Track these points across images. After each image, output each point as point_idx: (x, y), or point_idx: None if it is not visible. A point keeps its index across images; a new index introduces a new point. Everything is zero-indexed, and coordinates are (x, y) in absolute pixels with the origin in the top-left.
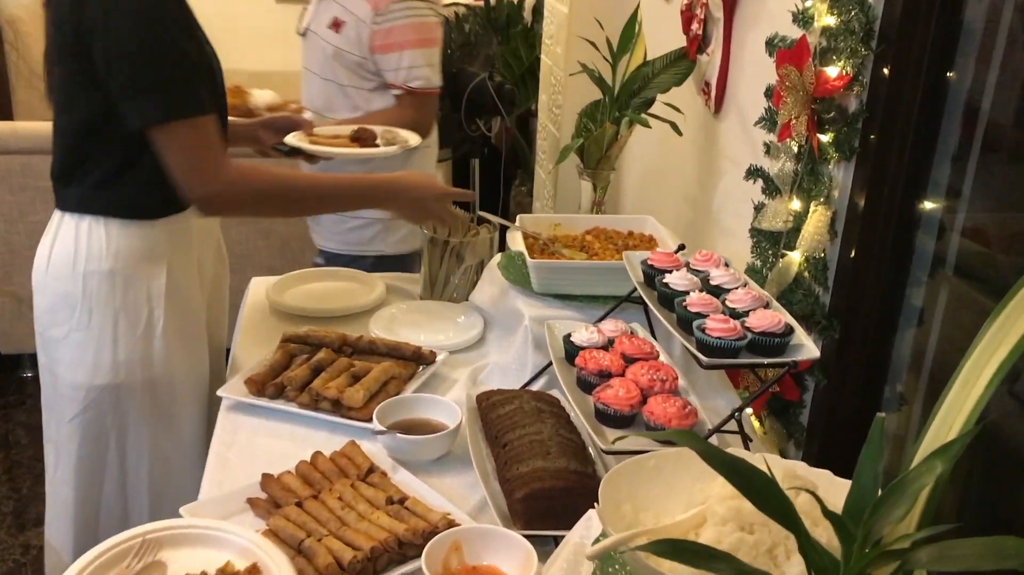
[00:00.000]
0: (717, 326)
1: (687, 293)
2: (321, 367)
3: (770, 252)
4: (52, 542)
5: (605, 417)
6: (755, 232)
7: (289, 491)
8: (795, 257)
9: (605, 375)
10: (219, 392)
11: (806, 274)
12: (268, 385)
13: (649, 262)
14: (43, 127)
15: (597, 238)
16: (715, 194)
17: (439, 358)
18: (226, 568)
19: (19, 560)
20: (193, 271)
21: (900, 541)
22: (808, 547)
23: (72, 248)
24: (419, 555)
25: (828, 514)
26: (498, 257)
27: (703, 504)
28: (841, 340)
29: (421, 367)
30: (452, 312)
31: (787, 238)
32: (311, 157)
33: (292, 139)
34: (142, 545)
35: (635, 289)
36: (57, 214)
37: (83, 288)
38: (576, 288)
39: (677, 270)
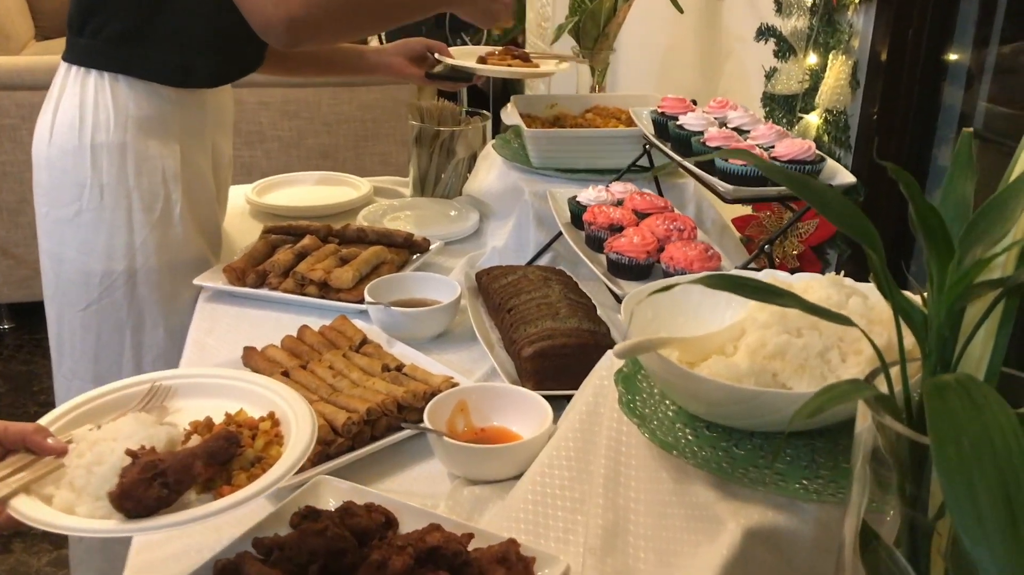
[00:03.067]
0: None
1: (704, 132)
2: (306, 252)
3: (785, 120)
4: None
5: (619, 268)
6: (768, 99)
7: (274, 363)
8: (813, 119)
9: (617, 229)
10: (196, 280)
11: (825, 136)
12: (249, 272)
13: (660, 109)
14: (11, 62)
15: (599, 116)
16: (722, 70)
17: (433, 246)
18: (237, 416)
19: None
20: (207, 155)
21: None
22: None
23: (77, 114)
24: (421, 421)
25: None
26: (492, 142)
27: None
28: (865, 205)
29: (414, 255)
30: (444, 206)
31: (803, 101)
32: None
33: (457, 60)
34: (150, 391)
35: (643, 153)
36: (63, 69)
37: (92, 163)
38: (578, 160)
39: (691, 112)
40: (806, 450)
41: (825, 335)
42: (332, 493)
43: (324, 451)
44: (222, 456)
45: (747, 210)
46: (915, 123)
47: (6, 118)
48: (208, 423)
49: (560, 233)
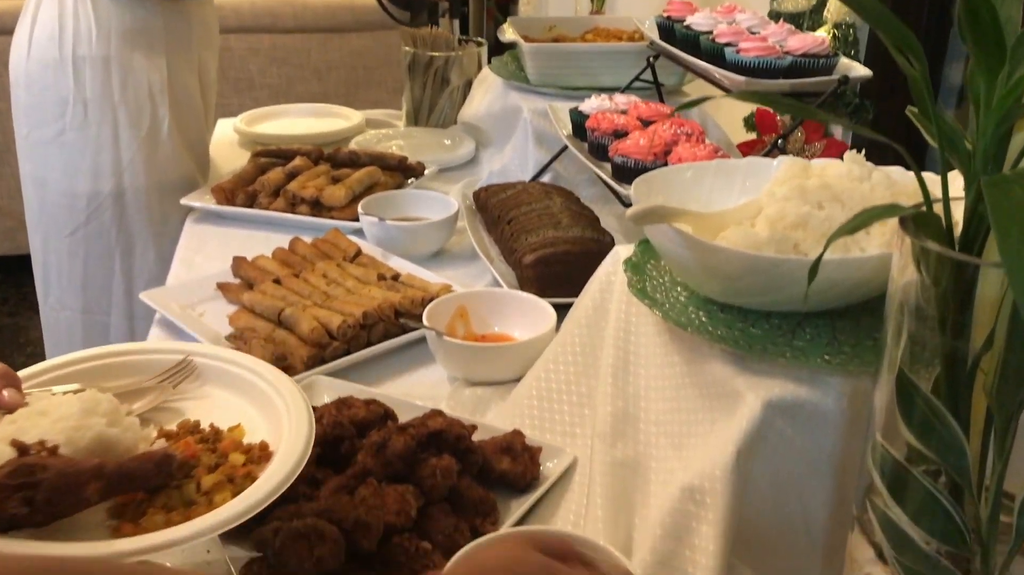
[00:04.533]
0: (753, 45)
1: (712, 31)
2: (297, 173)
3: None
4: None
5: (625, 172)
6: (774, 17)
7: (264, 271)
8: (821, 36)
9: (621, 134)
10: (184, 200)
11: None
12: (238, 192)
13: (665, 13)
14: None
15: (599, 37)
16: None
17: (428, 171)
18: (229, 432)
19: None
20: (194, 71)
21: None
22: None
23: (56, 25)
24: (414, 324)
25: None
26: (488, 65)
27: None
28: (874, 123)
29: (409, 180)
30: (438, 135)
31: (810, 19)
32: None
33: None
34: (179, 365)
35: (646, 67)
36: None
37: (74, 77)
38: (578, 77)
39: (699, 12)
40: (826, 328)
41: (848, 207)
42: (329, 392)
43: (319, 355)
44: (140, 483)
45: (751, 136)
46: (926, 38)
47: None
48: (189, 430)
49: (564, 147)
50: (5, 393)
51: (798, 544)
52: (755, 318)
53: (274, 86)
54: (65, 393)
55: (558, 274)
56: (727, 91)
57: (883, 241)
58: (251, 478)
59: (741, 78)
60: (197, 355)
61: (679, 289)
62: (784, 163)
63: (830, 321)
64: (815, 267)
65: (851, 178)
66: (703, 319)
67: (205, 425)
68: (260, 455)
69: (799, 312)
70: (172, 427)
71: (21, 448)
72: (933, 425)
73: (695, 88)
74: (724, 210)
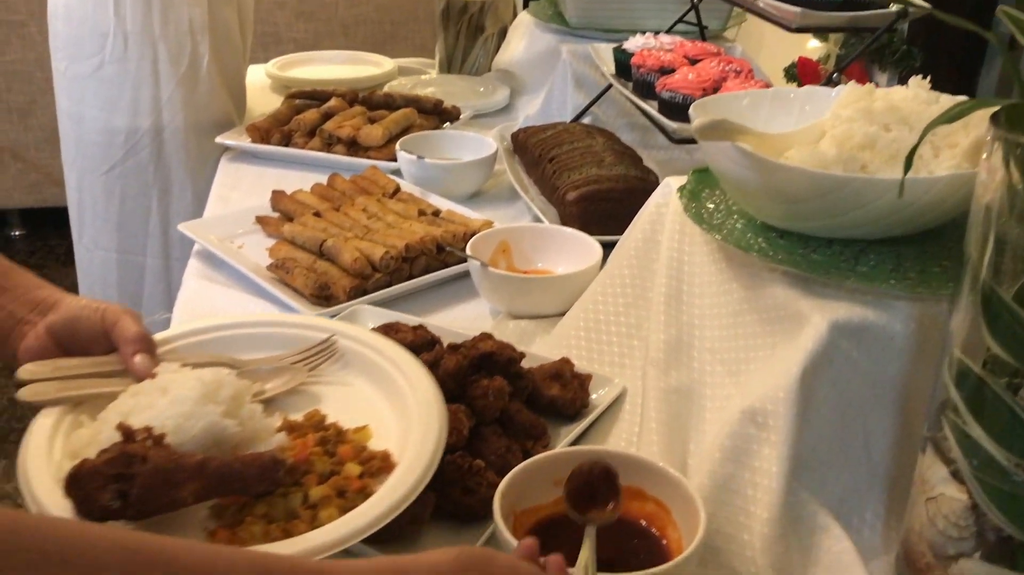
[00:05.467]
0: None
1: None
2: (332, 113)
3: None
4: None
5: (673, 108)
6: None
7: (304, 205)
8: None
9: (668, 71)
10: (219, 139)
11: None
12: (274, 131)
13: None
14: None
15: None
16: None
17: (463, 116)
18: (352, 434)
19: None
20: (233, 6)
21: None
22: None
23: None
24: (456, 258)
25: None
26: (525, 9)
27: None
28: (922, 70)
29: (444, 124)
30: (472, 83)
31: None
32: None
33: None
34: (323, 344)
35: (691, 8)
36: None
37: (115, 10)
38: (619, 20)
39: None
40: (890, 255)
41: (916, 130)
42: (372, 320)
43: (361, 286)
44: (242, 487)
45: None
46: None
47: (13, 14)
48: (314, 426)
49: (609, 85)
50: (137, 359)
51: (858, 470)
52: (816, 244)
53: (300, 40)
54: (196, 366)
55: (602, 211)
56: (781, 24)
57: (952, 164)
58: (364, 494)
59: (796, 9)
60: (342, 335)
61: (736, 217)
62: (847, 88)
63: (894, 248)
64: (909, 160)
65: (918, 101)
66: (762, 245)
67: (333, 419)
68: (380, 467)
69: (862, 239)
70: (298, 418)
71: (127, 433)
72: (1019, 335)
73: (741, 34)
74: (785, 133)
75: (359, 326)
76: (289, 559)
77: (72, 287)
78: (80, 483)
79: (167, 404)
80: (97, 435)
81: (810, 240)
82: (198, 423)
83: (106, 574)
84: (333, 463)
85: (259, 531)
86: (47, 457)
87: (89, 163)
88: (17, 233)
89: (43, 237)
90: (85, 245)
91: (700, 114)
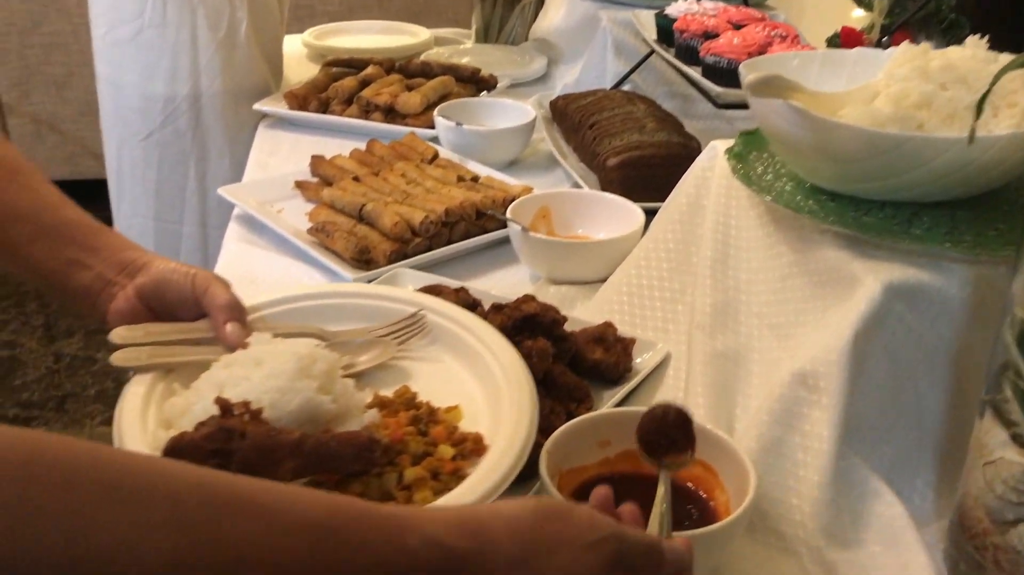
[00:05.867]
0: None
1: None
2: (370, 81)
3: None
4: None
5: (717, 73)
6: None
7: (343, 170)
8: None
9: (712, 36)
10: (256, 105)
11: None
12: (311, 98)
13: None
14: None
15: None
16: None
17: (500, 84)
18: (443, 413)
19: (51, 367)
20: None
21: None
22: None
23: None
24: (496, 224)
25: None
26: None
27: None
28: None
29: (481, 92)
30: (509, 52)
31: None
32: None
33: None
34: (411, 319)
35: None
36: None
37: None
38: None
39: None
40: (945, 218)
41: (974, 89)
42: (413, 284)
43: (401, 250)
44: (339, 466)
45: None
46: None
47: None
48: (406, 403)
49: (651, 52)
50: (229, 328)
51: (910, 435)
52: (868, 207)
53: (334, 14)
54: (286, 335)
55: (643, 178)
56: None
57: (1012, 123)
58: (458, 477)
59: None
60: (430, 310)
61: (785, 179)
62: (901, 47)
63: (948, 211)
64: (981, 104)
65: (976, 60)
66: (813, 207)
67: (423, 397)
68: (472, 449)
69: (916, 202)
70: (389, 394)
71: (224, 407)
72: None
73: (782, 2)
74: (838, 92)
75: (448, 303)
76: (364, 502)
77: None
78: (179, 457)
79: (262, 378)
80: (191, 406)
81: (862, 203)
82: (294, 399)
83: (183, 508)
84: (426, 444)
85: None
86: (141, 426)
87: (128, 130)
88: None
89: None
90: (124, 212)
91: (751, 71)
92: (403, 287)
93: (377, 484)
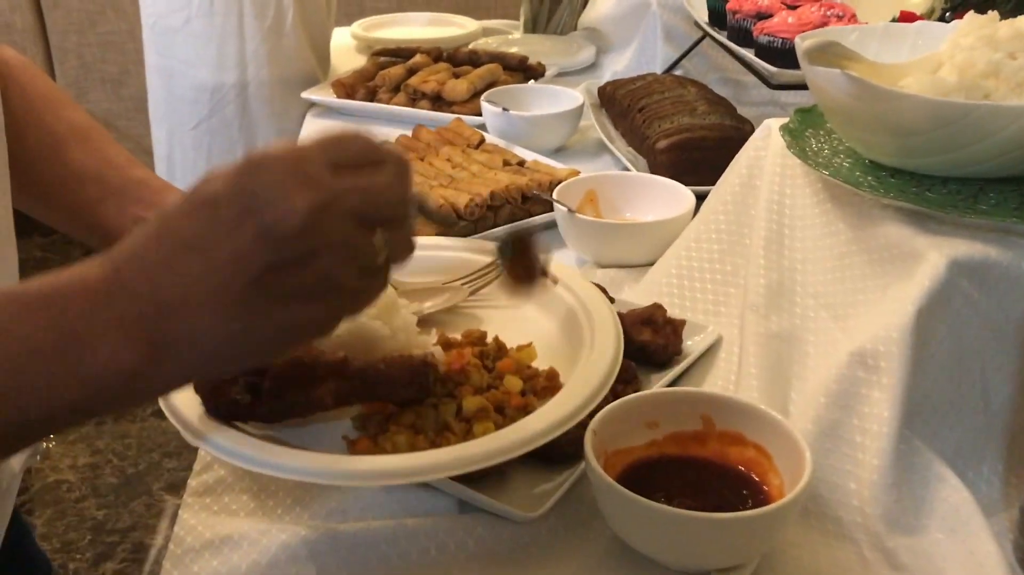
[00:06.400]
0: None
1: None
2: (417, 69)
3: None
4: None
5: (772, 54)
6: None
7: None
8: None
9: (765, 16)
10: (304, 94)
11: None
12: (359, 87)
13: None
14: None
15: None
16: None
17: (548, 72)
18: (515, 352)
19: None
20: None
21: None
22: None
23: None
24: (541, 208)
25: None
26: None
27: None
28: None
29: (529, 81)
30: (557, 42)
31: None
32: None
33: None
34: (486, 268)
35: None
36: None
37: None
38: None
39: None
40: (1013, 193)
41: None
42: None
43: (446, 233)
44: (388, 392)
45: None
46: None
47: None
48: (473, 341)
49: (704, 36)
50: None
51: (975, 419)
52: (931, 183)
53: (383, 10)
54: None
55: (694, 161)
56: None
57: None
58: (525, 410)
59: None
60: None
61: (843, 156)
62: (967, 17)
63: (1016, 187)
64: None
65: None
66: (873, 183)
67: (493, 337)
68: (545, 386)
69: (981, 177)
70: (456, 336)
71: None
72: None
73: None
74: (899, 64)
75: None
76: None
77: None
78: (212, 387)
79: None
80: None
81: (924, 179)
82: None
83: None
84: (491, 377)
85: (403, 441)
86: None
87: (177, 119)
88: None
89: None
90: None
91: (805, 48)
92: None
93: (432, 415)
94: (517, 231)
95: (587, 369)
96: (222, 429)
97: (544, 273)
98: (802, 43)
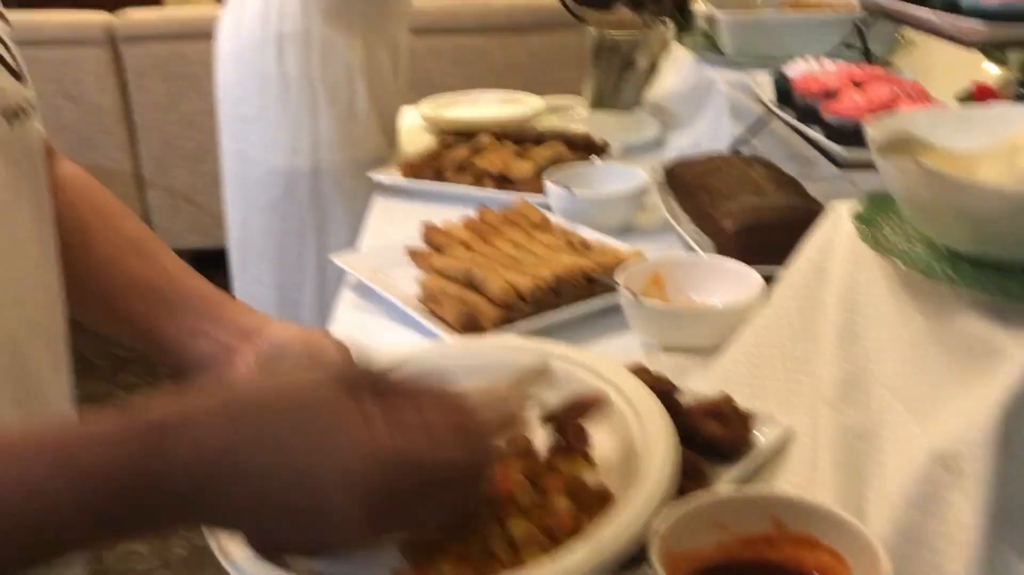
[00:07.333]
0: None
1: None
2: (482, 149)
3: None
4: None
5: (839, 134)
6: None
7: (453, 238)
8: None
9: (833, 95)
10: (370, 173)
11: None
12: (425, 167)
13: None
14: (193, 13)
15: (798, 6)
16: None
17: (614, 149)
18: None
19: None
20: (389, 49)
21: None
22: None
23: (261, 3)
24: (606, 291)
25: None
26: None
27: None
28: None
29: (594, 157)
30: (623, 118)
31: None
32: None
33: None
34: (535, 369)
35: (854, 28)
36: None
37: (277, 54)
38: (779, 46)
39: None
40: None
41: None
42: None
43: (509, 316)
44: None
45: None
46: None
47: (190, 68)
48: (520, 450)
49: (769, 114)
50: None
51: None
52: (1011, 273)
53: (453, 86)
54: None
55: (763, 243)
56: (960, 41)
57: None
58: (576, 533)
59: (979, 23)
60: (556, 358)
61: (917, 243)
62: None
63: None
64: None
65: None
66: (950, 272)
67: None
68: (595, 504)
69: None
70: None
71: None
72: None
73: (905, 60)
74: (975, 150)
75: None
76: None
77: None
78: None
79: None
80: None
81: (1005, 268)
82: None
83: None
84: (539, 496)
85: (449, 572)
86: None
87: (251, 202)
88: None
89: (209, 276)
90: (246, 281)
91: (877, 130)
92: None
93: (478, 543)
94: (572, 402)
95: (641, 485)
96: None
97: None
98: (872, 134)
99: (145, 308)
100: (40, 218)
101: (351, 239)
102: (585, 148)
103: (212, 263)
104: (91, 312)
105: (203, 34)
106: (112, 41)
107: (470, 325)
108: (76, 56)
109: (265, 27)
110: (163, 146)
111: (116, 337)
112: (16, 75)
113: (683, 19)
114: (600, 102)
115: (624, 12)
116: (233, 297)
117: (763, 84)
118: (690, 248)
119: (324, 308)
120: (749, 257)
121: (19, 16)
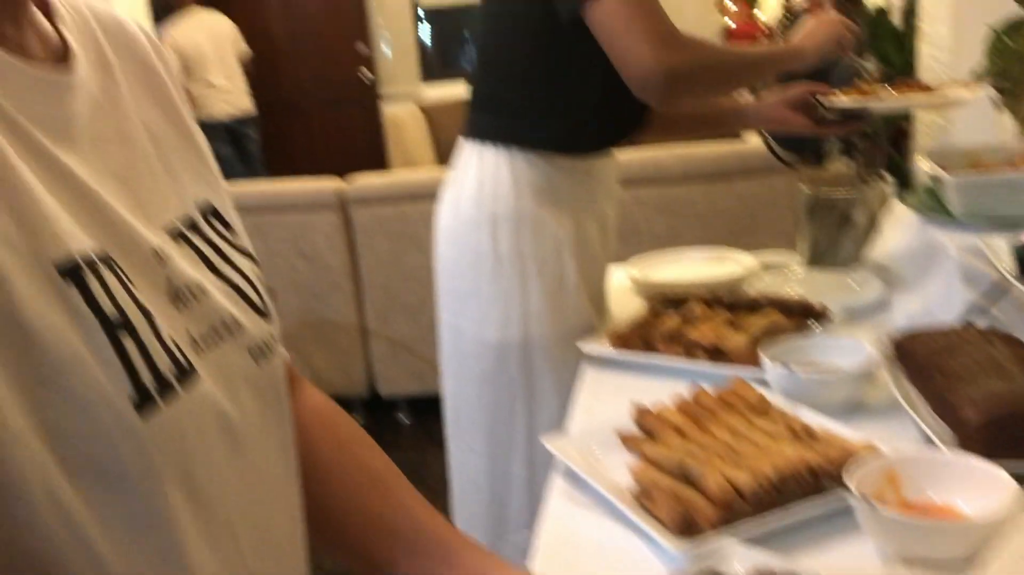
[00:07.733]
0: None
1: None
2: (693, 318)
3: None
4: (461, 518)
5: None
6: None
7: (667, 422)
8: None
9: None
10: (579, 344)
11: None
12: (634, 338)
13: None
14: (415, 176)
15: None
16: None
17: (834, 311)
18: None
19: None
20: (597, 223)
21: None
22: None
23: (476, 186)
24: (834, 487)
25: None
26: (899, 198)
27: None
28: None
29: (811, 322)
30: (842, 277)
31: None
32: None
33: (846, 100)
34: None
35: None
36: (464, 147)
37: (491, 234)
38: (1014, 207)
39: None
40: None
41: None
42: (738, 559)
43: (727, 516)
44: None
45: None
46: None
47: (412, 226)
48: None
49: (1007, 286)
50: None
51: None
52: None
53: (659, 234)
54: None
55: (1011, 438)
56: None
57: None
58: None
59: None
60: None
61: None
62: None
63: None
64: None
65: None
66: None
67: None
68: None
69: None
70: None
71: None
72: None
73: None
74: None
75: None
76: None
77: (439, 477)
78: None
79: None
80: None
81: None
82: None
83: None
84: None
85: None
86: None
87: (464, 373)
88: (406, 422)
89: (425, 424)
90: (460, 448)
91: None
92: (728, 563)
93: None
94: None
95: None
96: None
97: None
98: None
99: (385, 547)
100: (284, 449)
101: (561, 409)
102: (803, 314)
103: (428, 409)
104: (325, 544)
105: (424, 195)
106: (343, 204)
107: (686, 526)
108: (311, 220)
109: (479, 208)
110: (386, 299)
111: (345, 567)
112: (262, 314)
113: (902, 175)
114: (817, 259)
115: (837, 167)
116: (467, 540)
117: (998, 251)
118: (926, 437)
119: (532, 482)
120: (997, 453)
121: (263, 186)
